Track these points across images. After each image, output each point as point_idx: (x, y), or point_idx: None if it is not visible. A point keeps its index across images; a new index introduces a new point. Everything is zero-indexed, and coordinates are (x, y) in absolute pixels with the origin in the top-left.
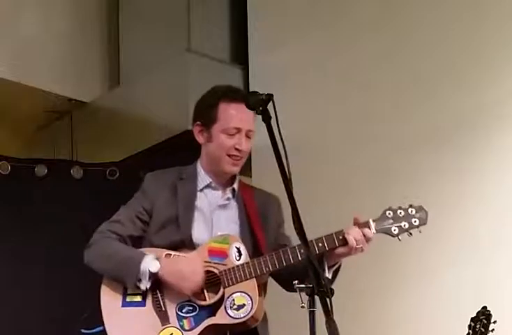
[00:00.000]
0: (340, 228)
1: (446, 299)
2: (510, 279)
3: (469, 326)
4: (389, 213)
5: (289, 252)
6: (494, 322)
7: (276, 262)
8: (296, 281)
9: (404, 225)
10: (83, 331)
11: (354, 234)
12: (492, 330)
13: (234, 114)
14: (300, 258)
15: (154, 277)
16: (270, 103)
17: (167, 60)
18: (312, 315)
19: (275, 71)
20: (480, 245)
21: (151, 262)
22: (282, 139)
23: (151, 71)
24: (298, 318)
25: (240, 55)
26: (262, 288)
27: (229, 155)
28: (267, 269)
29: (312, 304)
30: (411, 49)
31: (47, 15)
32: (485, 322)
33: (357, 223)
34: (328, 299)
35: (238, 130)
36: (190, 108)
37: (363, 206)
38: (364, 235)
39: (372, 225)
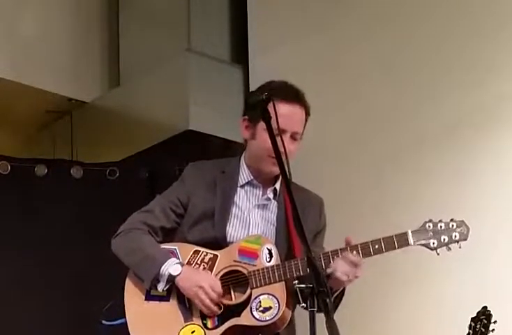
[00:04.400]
0: (339, 228)
1: (446, 298)
2: (510, 279)
3: (469, 326)
4: (429, 226)
5: (322, 258)
6: (495, 322)
7: (308, 266)
8: (296, 281)
9: (444, 239)
10: (104, 322)
11: (342, 270)
12: (493, 330)
13: (282, 114)
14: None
15: (172, 281)
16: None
17: (167, 60)
18: (312, 315)
19: (275, 71)
20: (481, 245)
21: (172, 266)
22: (282, 139)
23: (151, 71)
24: (298, 318)
25: (240, 55)
26: (290, 294)
27: (270, 156)
28: (298, 273)
29: (312, 304)
30: (411, 49)
31: (46, 15)
32: (486, 322)
33: (349, 244)
34: (328, 299)
35: (283, 131)
36: (190, 108)
37: (362, 207)
38: (350, 261)
39: (410, 236)
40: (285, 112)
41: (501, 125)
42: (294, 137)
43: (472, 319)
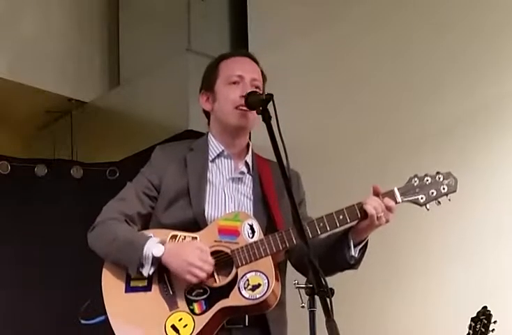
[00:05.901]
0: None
1: (446, 298)
2: (510, 279)
3: (469, 326)
4: (415, 181)
5: (307, 227)
6: (495, 322)
7: (293, 237)
8: (296, 281)
9: (432, 193)
10: (82, 321)
11: (372, 203)
12: (493, 330)
13: (233, 64)
14: (319, 233)
15: (158, 262)
16: (271, 103)
17: (167, 60)
18: (312, 315)
19: (275, 71)
20: (481, 245)
21: (154, 246)
22: (282, 139)
23: (151, 71)
24: (298, 318)
25: None
26: (279, 268)
27: (237, 108)
28: (283, 245)
29: (312, 304)
30: (411, 49)
31: (46, 15)
32: (486, 322)
33: (378, 193)
34: (328, 299)
35: (241, 77)
36: (190, 108)
37: None
38: (384, 204)
39: (397, 193)
40: (234, 60)
41: (502, 125)
42: (253, 84)
43: (472, 319)
